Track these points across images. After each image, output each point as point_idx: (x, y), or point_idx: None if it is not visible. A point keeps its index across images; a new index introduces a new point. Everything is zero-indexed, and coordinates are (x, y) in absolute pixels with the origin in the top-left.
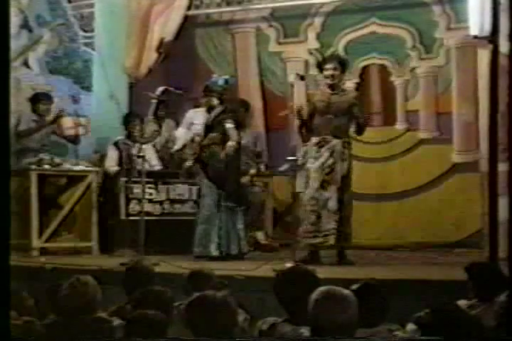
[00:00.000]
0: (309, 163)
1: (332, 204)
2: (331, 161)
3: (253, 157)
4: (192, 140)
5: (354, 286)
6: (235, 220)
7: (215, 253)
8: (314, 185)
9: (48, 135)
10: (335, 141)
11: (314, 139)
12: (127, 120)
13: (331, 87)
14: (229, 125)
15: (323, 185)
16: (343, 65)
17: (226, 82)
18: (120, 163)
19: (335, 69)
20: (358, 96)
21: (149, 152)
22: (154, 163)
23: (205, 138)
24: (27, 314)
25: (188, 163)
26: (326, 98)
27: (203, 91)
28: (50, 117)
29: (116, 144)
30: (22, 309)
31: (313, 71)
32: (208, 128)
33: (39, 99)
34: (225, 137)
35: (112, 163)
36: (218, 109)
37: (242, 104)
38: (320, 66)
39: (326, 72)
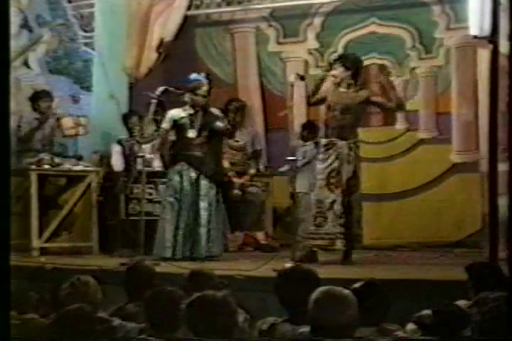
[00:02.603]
0: (317, 165)
1: (337, 207)
2: (336, 164)
3: (252, 157)
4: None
5: (356, 284)
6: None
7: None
8: (320, 188)
9: (50, 135)
10: (341, 143)
11: (323, 141)
12: (126, 119)
13: (338, 85)
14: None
15: (330, 188)
16: (346, 63)
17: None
18: (126, 162)
19: (335, 68)
20: (371, 92)
21: (150, 152)
22: (155, 163)
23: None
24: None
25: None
26: (335, 94)
27: (188, 91)
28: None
29: (120, 142)
30: (26, 308)
31: (313, 71)
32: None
33: (39, 97)
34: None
35: (118, 162)
36: (201, 111)
37: (237, 104)
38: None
39: (330, 72)
